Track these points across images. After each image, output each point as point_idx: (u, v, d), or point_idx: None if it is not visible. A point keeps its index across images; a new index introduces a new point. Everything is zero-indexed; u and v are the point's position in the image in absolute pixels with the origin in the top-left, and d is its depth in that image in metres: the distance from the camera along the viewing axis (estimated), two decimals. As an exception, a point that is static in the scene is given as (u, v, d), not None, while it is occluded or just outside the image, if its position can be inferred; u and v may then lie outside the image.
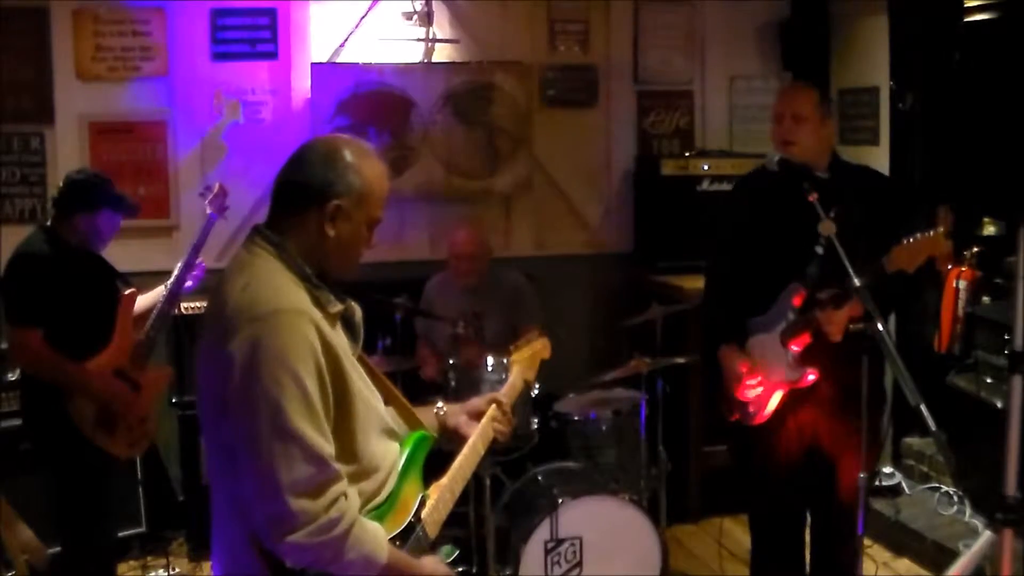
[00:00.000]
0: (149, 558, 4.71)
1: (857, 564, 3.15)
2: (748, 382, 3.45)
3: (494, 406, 2.53)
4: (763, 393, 3.44)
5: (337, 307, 2.13)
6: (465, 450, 2.42)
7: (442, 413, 2.50)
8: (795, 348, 3.35)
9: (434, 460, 2.38)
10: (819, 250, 3.28)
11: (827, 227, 3.18)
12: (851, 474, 3.18)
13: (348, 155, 2.13)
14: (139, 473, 4.71)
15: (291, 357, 1.95)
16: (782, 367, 3.38)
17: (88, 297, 3.75)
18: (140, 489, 4.76)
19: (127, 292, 3.84)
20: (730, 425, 3.60)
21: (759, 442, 3.51)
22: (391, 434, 2.25)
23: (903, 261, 3.07)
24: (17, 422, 4.21)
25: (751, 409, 3.47)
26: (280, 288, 2.04)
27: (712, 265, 3.78)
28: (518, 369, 2.72)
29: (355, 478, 2.10)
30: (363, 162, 2.15)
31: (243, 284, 2.04)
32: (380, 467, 2.17)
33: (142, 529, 4.78)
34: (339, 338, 2.12)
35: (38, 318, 3.59)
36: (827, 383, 3.36)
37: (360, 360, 2.21)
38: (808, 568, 3.67)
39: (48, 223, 3.77)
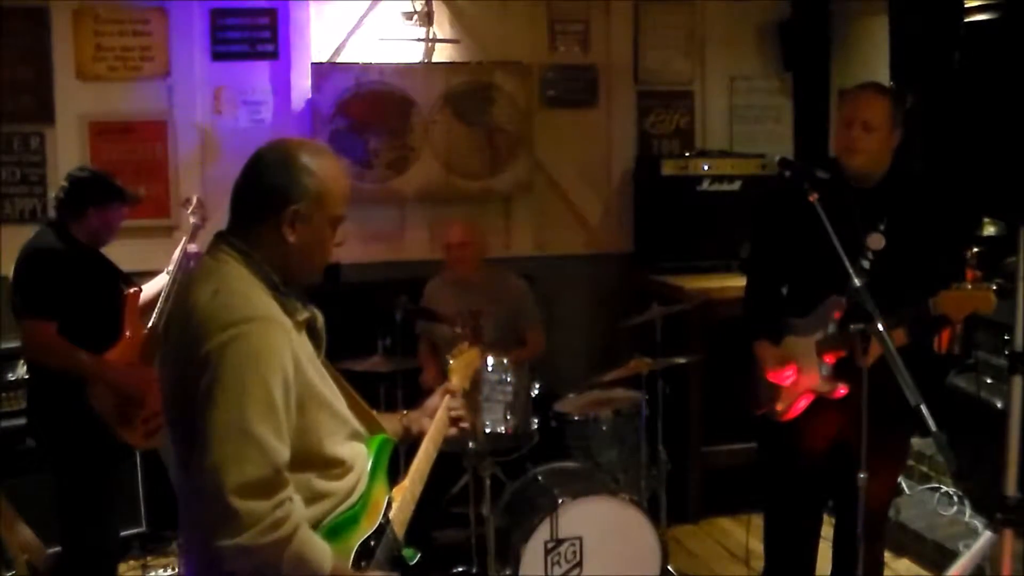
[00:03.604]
0: (149, 558, 4.71)
1: (880, 570, 3.11)
2: (784, 371, 3.43)
3: (446, 400, 2.61)
4: (793, 392, 3.43)
5: (304, 315, 2.14)
6: (420, 454, 2.49)
7: (406, 421, 2.56)
8: (829, 360, 3.31)
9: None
10: (865, 264, 3.18)
11: (876, 240, 3.12)
12: (878, 481, 3.16)
13: (300, 158, 2.12)
14: (139, 473, 4.72)
15: (260, 364, 1.95)
16: (815, 374, 3.35)
17: (96, 294, 3.78)
18: (140, 489, 4.76)
19: (131, 291, 3.89)
20: (758, 421, 3.60)
21: (786, 439, 3.50)
22: (356, 437, 2.27)
23: (951, 308, 3.00)
24: (18, 422, 4.22)
25: (779, 407, 3.46)
26: (250, 296, 2.04)
27: (750, 261, 3.77)
28: (456, 378, 2.79)
29: (331, 477, 2.13)
30: (316, 163, 2.13)
31: (212, 290, 2.03)
32: (354, 466, 2.20)
33: (142, 529, 4.78)
34: (305, 345, 2.13)
35: (53, 310, 3.62)
36: (857, 395, 3.18)
37: (324, 365, 2.22)
38: (829, 570, 3.68)
39: (55, 221, 3.79)
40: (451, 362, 2.86)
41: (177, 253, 4.14)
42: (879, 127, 3.26)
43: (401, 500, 2.36)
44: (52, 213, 3.86)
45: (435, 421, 2.57)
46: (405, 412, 2.59)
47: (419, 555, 2.31)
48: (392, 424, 2.52)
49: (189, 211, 4.30)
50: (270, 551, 1.92)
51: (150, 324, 3.95)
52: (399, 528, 2.32)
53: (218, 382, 1.93)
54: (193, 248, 4.17)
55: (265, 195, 2.11)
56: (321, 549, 2.03)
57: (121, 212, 3.87)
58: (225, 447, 1.90)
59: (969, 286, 3.02)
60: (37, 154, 5.13)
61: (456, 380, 2.77)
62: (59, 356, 3.64)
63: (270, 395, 1.95)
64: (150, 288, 4.09)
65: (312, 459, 2.08)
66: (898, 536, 4.66)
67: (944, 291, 3.00)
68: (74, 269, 3.70)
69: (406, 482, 2.42)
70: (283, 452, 1.97)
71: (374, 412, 2.46)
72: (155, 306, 4.00)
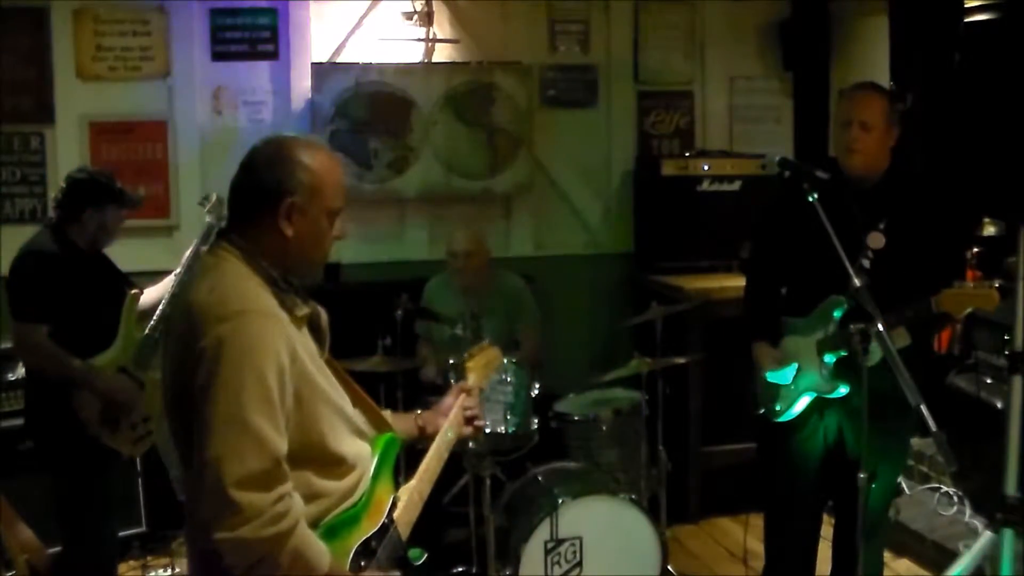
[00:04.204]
0: (149, 558, 4.71)
1: (880, 570, 3.08)
2: (784, 371, 3.44)
3: (461, 399, 2.60)
4: (793, 392, 3.43)
5: (303, 311, 2.14)
6: (430, 452, 2.48)
7: (421, 420, 2.55)
8: (829, 360, 3.31)
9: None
10: (865, 263, 3.16)
11: (876, 240, 3.11)
12: (878, 481, 3.13)
13: (294, 152, 2.14)
14: (139, 473, 4.71)
15: (255, 356, 1.95)
16: (815, 374, 3.35)
17: (94, 296, 3.76)
18: (140, 489, 4.76)
19: (131, 292, 3.87)
20: (757, 421, 3.60)
21: (785, 439, 3.50)
22: (361, 435, 2.27)
23: (952, 306, 2.99)
24: (17, 422, 4.22)
25: (778, 407, 3.47)
26: (246, 290, 2.05)
27: (750, 261, 3.78)
28: (474, 376, 2.77)
29: (330, 475, 2.12)
30: (310, 156, 2.14)
31: (209, 287, 2.05)
32: (356, 465, 2.20)
33: (142, 529, 4.78)
34: (305, 341, 2.13)
35: (45, 314, 3.60)
36: (857, 395, 3.20)
37: (328, 363, 2.22)
38: (829, 570, 3.67)
39: (53, 223, 3.78)
40: (468, 361, 2.82)
41: (187, 255, 4.02)
42: (876, 126, 3.27)
43: (408, 500, 2.34)
44: (52, 214, 3.85)
45: (449, 420, 2.55)
46: (420, 412, 2.58)
47: (426, 555, 2.30)
48: (407, 424, 2.51)
49: (207, 209, 4.14)
50: (270, 545, 1.92)
51: (148, 328, 3.91)
52: (404, 529, 2.29)
53: (214, 376, 1.93)
54: (204, 251, 4.08)
55: (261, 190, 2.12)
56: (318, 547, 2.03)
57: (119, 215, 3.83)
58: (224, 440, 1.90)
59: (971, 284, 3.02)
60: (37, 154, 5.13)
61: (473, 379, 2.75)
62: (48, 360, 3.62)
63: (266, 387, 1.95)
64: (154, 291, 4.00)
65: (312, 455, 2.08)
66: (898, 536, 4.66)
67: (946, 289, 2.99)
68: (68, 272, 3.66)
69: (413, 481, 2.40)
70: (281, 445, 1.97)
71: (387, 412, 2.46)
72: (154, 312, 3.91)
